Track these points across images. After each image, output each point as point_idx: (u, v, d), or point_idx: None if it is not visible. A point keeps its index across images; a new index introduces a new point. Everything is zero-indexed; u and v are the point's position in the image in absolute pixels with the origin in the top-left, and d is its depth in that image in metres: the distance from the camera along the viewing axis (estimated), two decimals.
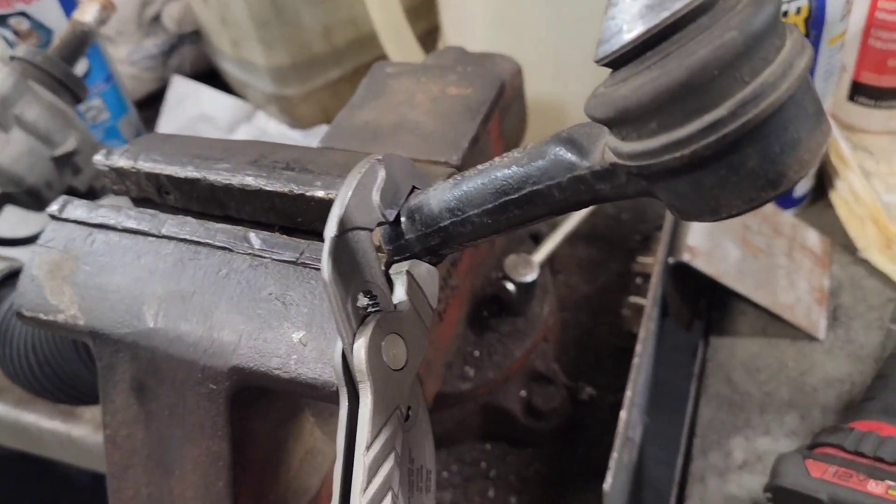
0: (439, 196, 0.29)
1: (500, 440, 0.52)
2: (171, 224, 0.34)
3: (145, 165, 0.37)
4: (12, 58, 0.56)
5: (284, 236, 0.33)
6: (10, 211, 0.57)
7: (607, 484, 0.39)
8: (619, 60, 0.22)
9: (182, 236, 0.34)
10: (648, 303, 0.47)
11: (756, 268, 0.54)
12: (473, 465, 0.51)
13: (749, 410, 0.51)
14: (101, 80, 0.69)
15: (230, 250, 0.33)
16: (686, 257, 0.52)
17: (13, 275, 0.50)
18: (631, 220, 0.64)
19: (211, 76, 0.81)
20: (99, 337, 0.33)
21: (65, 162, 0.56)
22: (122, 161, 0.38)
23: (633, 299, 0.56)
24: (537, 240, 0.56)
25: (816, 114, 0.22)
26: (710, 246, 0.53)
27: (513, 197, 0.27)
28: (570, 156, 0.25)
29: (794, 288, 0.55)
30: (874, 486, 0.38)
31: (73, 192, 0.58)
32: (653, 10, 0.20)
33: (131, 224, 0.35)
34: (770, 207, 0.58)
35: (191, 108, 0.72)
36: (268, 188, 0.35)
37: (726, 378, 0.52)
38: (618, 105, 0.22)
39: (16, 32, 0.67)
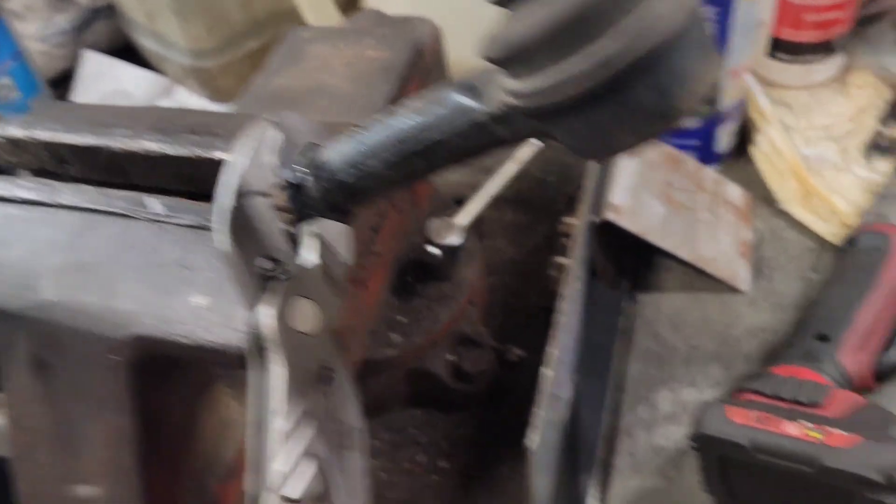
0: (340, 150, 0.28)
1: (429, 406, 0.52)
2: (68, 193, 0.33)
3: (42, 135, 0.36)
4: None
5: (187, 200, 0.32)
6: None
7: (532, 441, 0.39)
8: (512, 1, 0.21)
9: (80, 205, 0.33)
10: (571, 261, 0.47)
11: (679, 223, 0.55)
12: (402, 431, 0.51)
13: (675, 364, 0.51)
14: (8, 58, 0.66)
15: (131, 217, 0.32)
16: (610, 216, 0.52)
17: None
18: (557, 183, 0.64)
19: (128, 51, 0.78)
20: None
21: None
22: (17, 131, 0.36)
23: (559, 259, 0.56)
24: (461, 202, 0.56)
25: (705, 46, 0.22)
26: (633, 204, 0.53)
27: (413, 147, 0.26)
28: (468, 101, 0.25)
29: (718, 242, 0.55)
30: (791, 428, 0.39)
31: None
32: None
33: (26, 194, 0.33)
34: (693, 164, 0.59)
35: (106, 84, 0.70)
36: (170, 153, 0.34)
37: (653, 333, 0.53)
38: (510, 42, 0.21)
39: None
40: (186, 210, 0.31)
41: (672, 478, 0.46)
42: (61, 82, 0.77)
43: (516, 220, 0.61)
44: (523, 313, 0.56)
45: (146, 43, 0.74)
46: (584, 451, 0.51)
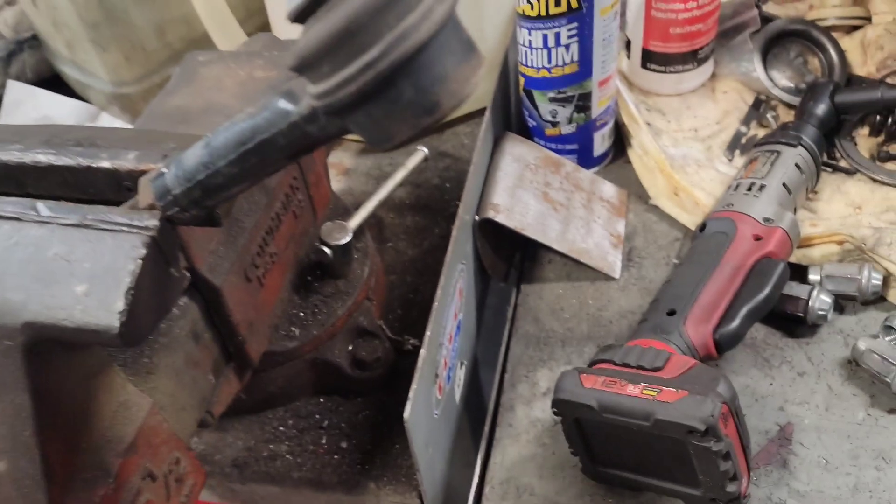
0: (195, 152, 0.33)
1: (332, 393, 0.56)
2: None
3: None
4: None
5: (70, 203, 0.36)
6: None
7: (407, 412, 0.44)
8: (300, 16, 0.26)
9: None
10: (448, 256, 0.52)
11: (556, 220, 0.60)
12: (308, 417, 0.55)
13: (553, 345, 0.56)
14: None
15: (19, 220, 0.36)
16: (490, 213, 0.57)
17: None
18: (452, 189, 0.69)
19: (54, 81, 0.82)
20: None
21: None
22: None
23: None
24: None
25: (463, 50, 0.27)
26: (512, 202, 0.59)
27: (249, 146, 0.31)
28: (286, 105, 0.30)
29: (592, 235, 0.61)
30: (632, 389, 0.44)
31: None
32: None
33: None
34: (571, 166, 0.65)
35: (30, 111, 0.74)
36: (58, 163, 0.39)
37: (534, 319, 0.58)
38: (298, 53, 0.26)
39: None
40: (70, 211, 0.36)
41: (547, 444, 0.51)
42: None
43: (415, 224, 0.66)
44: (420, 307, 0.61)
45: (69, 72, 0.78)
46: (476, 427, 0.56)
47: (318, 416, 0.55)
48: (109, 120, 0.77)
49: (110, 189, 0.39)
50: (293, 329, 0.54)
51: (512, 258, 0.63)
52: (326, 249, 0.54)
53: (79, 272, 0.34)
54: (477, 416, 0.59)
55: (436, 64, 0.26)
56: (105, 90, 0.75)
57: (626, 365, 0.47)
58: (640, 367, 0.46)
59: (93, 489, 0.39)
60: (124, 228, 0.35)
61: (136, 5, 0.70)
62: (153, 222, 0.35)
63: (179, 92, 0.53)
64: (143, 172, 0.38)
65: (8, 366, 0.35)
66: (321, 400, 0.56)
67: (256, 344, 0.51)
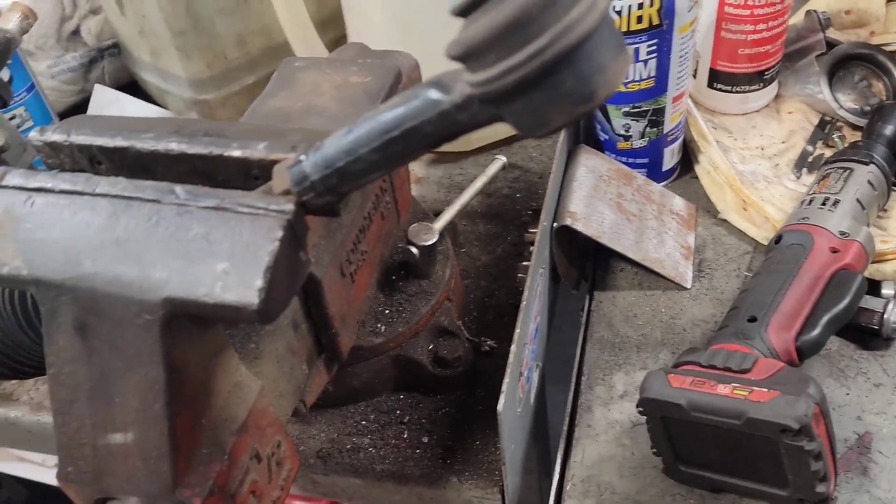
0: (336, 141, 0.35)
1: (413, 389, 0.58)
2: (104, 183, 0.39)
3: (78, 138, 0.42)
4: None
5: (207, 187, 0.38)
6: None
7: (501, 405, 0.45)
8: (466, 9, 0.28)
9: (114, 193, 0.39)
10: (532, 259, 0.54)
11: (630, 230, 0.62)
12: (389, 412, 0.57)
13: (628, 350, 0.58)
14: (23, 90, 0.73)
15: (158, 202, 0.38)
16: (568, 221, 0.59)
17: None
18: (522, 198, 0.71)
19: (131, 87, 0.85)
20: (41, 284, 0.38)
21: None
22: (55, 136, 0.42)
23: (525, 263, 0.63)
24: (437, 214, 0.63)
25: (617, 45, 0.29)
26: (588, 211, 0.60)
27: (394, 134, 0.33)
28: (437, 94, 0.31)
29: (664, 246, 0.62)
30: (722, 389, 0.45)
31: None
32: None
33: (67, 186, 0.39)
34: (642, 179, 0.66)
35: (113, 114, 0.76)
36: (190, 151, 0.41)
37: (608, 325, 0.59)
38: (465, 42, 0.28)
39: None
40: (207, 195, 0.38)
41: (626, 445, 0.52)
42: (70, 115, 0.83)
43: (488, 231, 0.68)
44: (494, 310, 0.62)
45: (149, 78, 0.81)
46: (553, 428, 0.57)
47: (399, 412, 0.57)
48: None
49: (238, 176, 0.41)
50: (379, 325, 0.55)
51: (584, 266, 0.65)
52: (413, 249, 0.56)
53: (219, 252, 0.36)
54: (541, 421, 0.60)
55: (596, 54, 0.28)
56: (185, 96, 0.78)
57: (712, 367, 0.48)
58: (728, 369, 0.47)
59: (209, 465, 0.40)
60: (262, 212, 0.37)
61: (221, 16, 0.73)
62: (290, 206, 0.36)
63: (279, 94, 0.55)
64: (272, 161, 0.40)
65: (146, 339, 0.37)
66: (401, 396, 0.58)
67: (346, 338, 0.52)
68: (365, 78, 0.55)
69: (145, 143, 0.41)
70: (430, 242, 0.56)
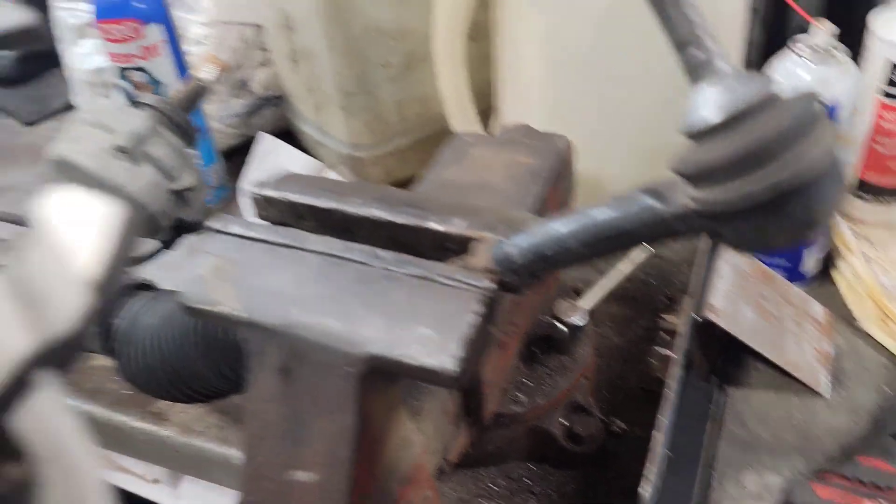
0: (544, 230, 0.38)
1: (543, 461, 0.60)
2: (315, 241, 0.43)
3: (290, 196, 0.46)
4: (138, 103, 0.65)
5: (410, 256, 0.42)
6: None
7: (645, 490, 0.47)
8: (704, 135, 0.31)
9: (325, 251, 0.43)
10: (679, 350, 0.56)
11: (768, 330, 0.63)
12: (518, 480, 0.59)
13: (760, 451, 0.58)
14: (200, 132, 0.79)
15: (365, 264, 0.42)
16: (710, 315, 0.60)
17: (137, 286, 0.59)
18: (657, 285, 0.73)
19: (286, 134, 0.90)
20: (253, 326, 0.42)
21: (180, 196, 0.65)
22: (271, 192, 0.47)
23: (660, 350, 0.65)
24: (577, 292, 0.65)
25: (840, 179, 0.31)
26: (730, 308, 0.62)
27: (607, 234, 0.36)
28: (654, 202, 0.34)
29: (801, 350, 0.63)
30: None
31: (181, 222, 0.67)
32: (731, 101, 0.30)
33: (281, 239, 0.44)
34: (781, 280, 0.67)
35: (272, 161, 0.82)
36: (392, 219, 0.44)
37: (740, 422, 0.60)
38: (699, 164, 0.31)
39: (133, 83, 0.77)
40: (411, 263, 0.41)
41: None
42: (227, 156, 0.89)
43: (620, 313, 0.70)
44: (625, 393, 0.64)
45: (307, 130, 0.87)
46: None
47: (528, 481, 0.59)
48: (335, 176, 0.85)
49: (433, 247, 0.44)
50: (519, 395, 0.58)
51: (716, 360, 0.66)
52: (560, 326, 0.58)
53: (421, 317, 0.39)
54: None
55: (824, 188, 0.30)
56: (339, 151, 0.83)
57: (858, 481, 0.48)
58: (875, 485, 0.48)
59: None
60: (464, 286, 0.40)
61: (387, 83, 0.78)
62: (490, 284, 0.40)
63: (451, 167, 0.59)
64: (467, 238, 0.43)
65: (343, 388, 0.40)
66: (531, 466, 0.60)
67: (491, 404, 0.55)
68: (532, 159, 0.59)
69: (350, 207, 0.45)
70: (577, 321, 0.58)
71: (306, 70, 0.80)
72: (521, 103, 0.74)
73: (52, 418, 0.22)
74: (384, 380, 0.41)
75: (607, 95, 0.67)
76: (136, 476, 1.28)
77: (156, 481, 1.27)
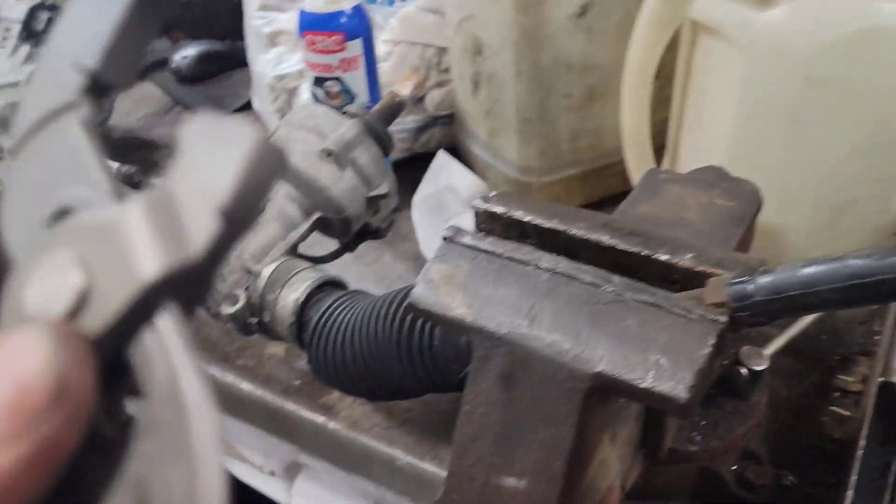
0: (790, 272, 0.38)
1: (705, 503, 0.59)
2: (547, 260, 0.45)
3: (516, 213, 0.48)
4: (347, 112, 0.69)
5: (641, 283, 0.43)
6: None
7: None
8: None
9: (557, 269, 0.44)
10: (866, 412, 0.55)
11: None
12: None
13: None
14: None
15: (596, 286, 0.43)
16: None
17: (327, 283, 0.62)
18: (828, 342, 0.71)
19: (452, 153, 0.93)
20: (482, 333, 0.44)
21: (374, 202, 0.68)
22: (496, 207, 0.49)
23: (835, 409, 0.64)
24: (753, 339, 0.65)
25: None
26: None
27: (862, 281, 0.36)
28: None
29: None
30: None
31: (366, 227, 0.71)
32: None
33: (514, 254, 0.45)
34: None
35: (444, 177, 0.85)
36: (619, 247, 0.46)
37: None
38: None
39: (327, 93, 0.81)
40: (642, 290, 0.42)
41: None
42: (396, 170, 0.93)
43: (790, 367, 0.69)
44: (793, 446, 0.63)
45: (477, 151, 0.89)
46: None
47: None
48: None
49: (658, 278, 0.45)
50: (695, 435, 0.58)
51: (894, 424, 0.64)
52: (743, 370, 0.58)
53: (653, 344, 0.40)
54: None
55: None
56: (509, 175, 0.85)
57: None
58: None
59: None
60: (697, 317, 0.41)
61: (567, 112, 0.80)
62: (724, 318, 0.40)
63: (647, 202, 0.60)
64: (696, 272, 0.44)
65: (567, 403, 0.41)
66: None
67: (668, 439, 0.55)
68: (729, 202, 0.59)
69: (579, 231, 0.47)
70: (760, 368, 0.58)
71: (487, 94, 0.82)
72: (704, 145, 0.74)
73: (172, 355, 0.20)
74: (601, 400, 0.43)
75: (802, 145, 0.67)
76: (253, 466, 1.33)
77: (272, 473, 1.32)
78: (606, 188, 0.86)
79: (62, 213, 0.23)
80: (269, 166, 0.21)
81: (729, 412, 0.59)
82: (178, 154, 0.21)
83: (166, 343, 0.20)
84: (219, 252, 0.20)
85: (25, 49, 0.92)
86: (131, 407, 0.21)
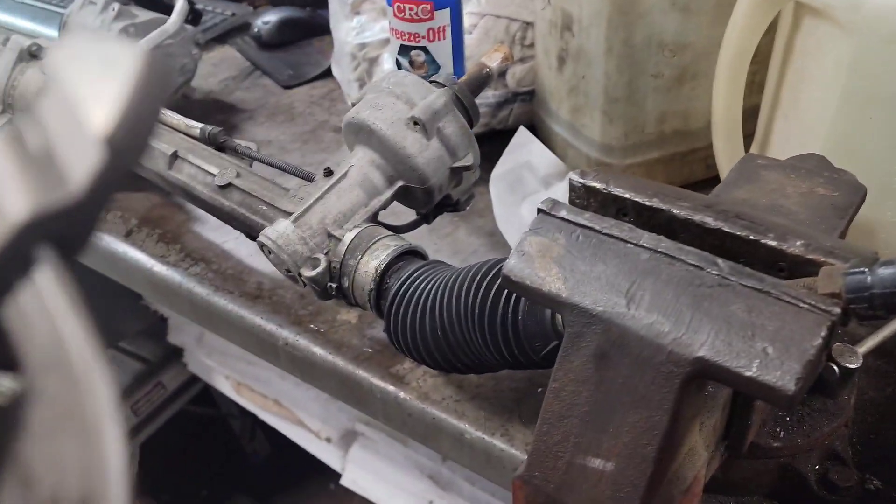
0: None
1: (784, 502, 0.57)
2: (648, 238, 0.43)
3: (615, 190, 0.47)
4: (435, 82, 0.68)
5: (747, 268, 0.41)
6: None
7: None
8: None
9: (659, 249, 0.43)
10: None
11: None
12: None
13: None
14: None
15: (700, 268, 0.42)
16: None
17: (408, 252, 0.62)
18: None
19: (531, 130, 0.92)
20: (578, 309, 0.42)
21: (457, 173, 0.67)
22: (594, 182, 0.48)
23: None
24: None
25: None
26: None
27: None
28: None
29: None
30: None
31: (447, 199, 0.70)
32: None
33: (613, 231, 0.44)
34: None
35: (523, 154, 0.84)
36: (724, 229, 0.44)
37: None
38: None
39: (412, 62, 0.81)
40: (749, 275, 0.41)
41: None
42: None
43: (879, 368, 0.67)
44: (880, 450, 0.61)
45: (557, 129, 0.88)
46: None
47: None
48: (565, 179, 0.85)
49: (763, 264, 0.43)
50: (778, 430, 0.56)
51: None
52: (834, 368, 0.56)
53: (760, 331, 0.39)
54: None
55: None
56: (590, 155, 0.83)
57: None
58: None
59: None
60: (808, 307, 0.39)
61: (655, 93, 0.78)
62: (837, 310, 0.39)
63: (742, 187, 0.58)
64: (806, 259, 0.42)
65: (663, 386, 0.40)
66: None
67: (752, 432, 0.53)
68: (832, 192, 0.57)
69: (681, 210, 0.45)
70: (853, 366, 0.55)
71: (573, 71, 0.81)
72: (799, 134, 0.72)
73: (55, 315, 0.17)
74: (698, 387, 0.41)
75: None
76: (310, 432, 1.34)
77: (328, 440, 1.33)
78: (689, 174, 0.84)
79: None
80: (157, 88, 0.18)
81: (816, 410, 0.57)
82: (50, 82, 0.18)
83: (46, 301, 0.17)
84: (104, 187, 0.18)
85: (115, 6, 0.94)
86: (4, 380, 0.18)
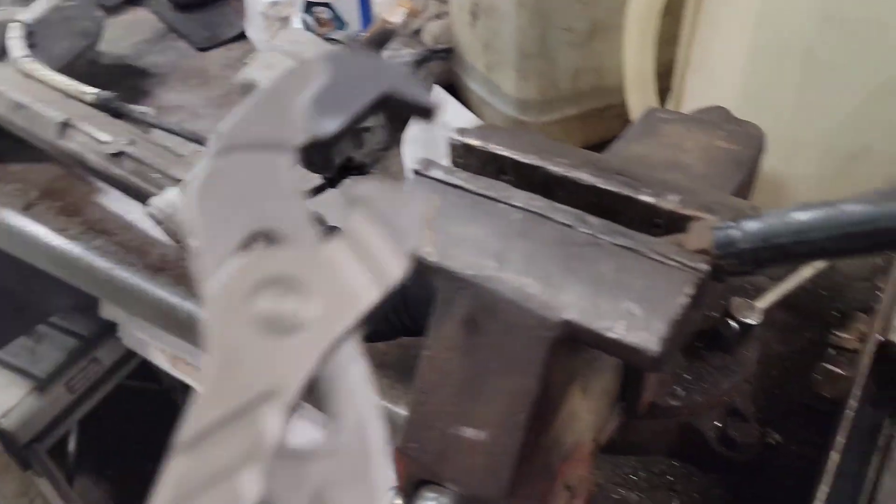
0: (780, 218, 0.35)
1: (688, 461, 0.57)
2: (520, 197, 0.42)
3: (494, 148, 0.45)
4: (330, 39, 0.65)
5: (617, 224, 0.40)
6: None
7: None
8: None
9: (530, 208, 0.41)
10: (861, 371, 0.52)
11: None
12: (661, 475, 0.56)
13: None
14: None
15: (570, 227, 0.40)
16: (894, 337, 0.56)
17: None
18: (829, 297, 0.68)
19: (450, 89, 0.89)
20: (445, 274, 0.41)
21: (356, 135, 0.64)
22: (473, 140, 0.46)
23: (828, 366, 0.61)
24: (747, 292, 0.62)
25: None
26: None
27: (859, 229, 0.33)
28: None
29: None
30: None
31: (349, 161, 0.67)
32: None
33: (485, 190, 0.42)
34: None
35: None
36: (599, 185, 0.43)
37: None
38: None
39: (317, 19, 0.77)
40: (619, 233, 0.39)
41: None
42: None
43: (786, 321, 0.66)
44: (783, 404, 0.60)
45: (474, 87, 0.85)
46: None
47: (670, 478, 0.56)
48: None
49: (640, 221, 0.42)
50: (677, 388, 0.55)
51: (888, 385, 0.61)
52: (733, 324, 0.55)
53: (627, 291, 0.37)
54: None
55: None
56: (505, 112, 0.81)
57: None
58: None
59: (538, 484, 0.42)
60: (676, 264, 0.38)
61: (569, 48, 0.76)
62: (705, 266, 0.37)
63: (641, 142, 0.56)
64: (681, 216, 0.41)
65: (532, 351, 0.39)
66: (674, 463, 0.57)
67: (649, 393, 0.52)
68: (732, 145, 0.55)
69: (558, 168, 0.43)
70: (752, 321, 0.55)
71: (486, 26, 0.78)
72: (710, 87, 0.70)
73: (361, 398, 0.22)
74: (570, 350, 0.40)
75: (816, 88, 0.62)
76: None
77: None
78: (607, 130, 0.82)
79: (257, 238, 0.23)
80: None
81: (715, 367, 0.56)
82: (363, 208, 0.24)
83: (356, 383, 0.22)
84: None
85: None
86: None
